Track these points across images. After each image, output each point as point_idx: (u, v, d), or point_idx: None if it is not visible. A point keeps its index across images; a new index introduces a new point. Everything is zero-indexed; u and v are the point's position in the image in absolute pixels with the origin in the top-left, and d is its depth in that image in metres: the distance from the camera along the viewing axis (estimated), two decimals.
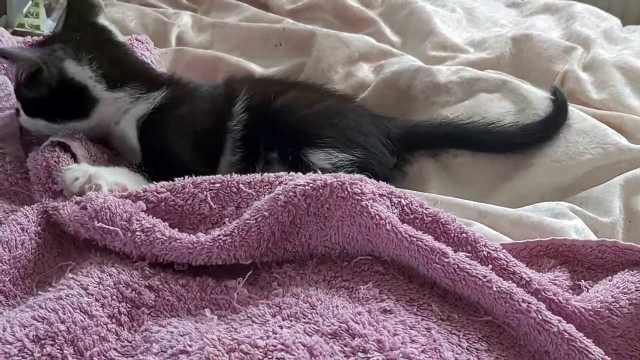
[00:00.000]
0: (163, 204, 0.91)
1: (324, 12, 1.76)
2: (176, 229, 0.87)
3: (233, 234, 0.84)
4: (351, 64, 1.47)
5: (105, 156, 1.07)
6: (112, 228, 0.84)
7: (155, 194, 0.91)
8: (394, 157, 1.16)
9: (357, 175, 0.89)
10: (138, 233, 0.84)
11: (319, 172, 0.92)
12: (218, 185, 0.92)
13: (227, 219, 0.90)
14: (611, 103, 1.37)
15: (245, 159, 1.10)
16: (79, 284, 0.77)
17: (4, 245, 0.82)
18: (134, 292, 0.78)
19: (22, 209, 0.89)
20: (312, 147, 1.06)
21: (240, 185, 0.93)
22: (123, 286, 0.78)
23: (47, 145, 1.02)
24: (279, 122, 1.09)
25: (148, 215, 0.87)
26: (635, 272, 0.85)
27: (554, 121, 1.22)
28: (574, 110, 1.27)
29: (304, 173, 0.91)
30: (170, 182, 0.93)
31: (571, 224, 0.97)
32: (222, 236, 0.84)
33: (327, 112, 1.13)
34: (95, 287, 0.77)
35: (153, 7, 1.73)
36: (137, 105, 1.08)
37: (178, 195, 0.91)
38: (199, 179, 0.93)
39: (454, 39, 1.62)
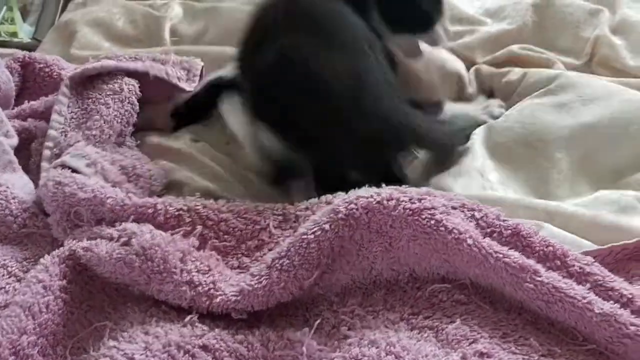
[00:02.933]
0: (223, 224, 0.84)
1: None
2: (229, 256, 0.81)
3: (290, 253, 0.75)
4: None
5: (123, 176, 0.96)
6: (163, 267, 0.74)
7: (217, 212, 0.85)
8: None
9: (424, 189, 0.80)
10: (195, 274, 0.74)
11: None
12: (281, 215, 0.85)
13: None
14: None
15: None
16: (123, 353, 0.67)
17: (27, 312, 0.72)
18: (187, 355, 0.68)
19: (42, 260, 0.78)
20: None
21: (298, 212, 0.85)
22: (174, 349, 0.68)
23: (56, 169, 0.90)
24: None
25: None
26: None
27: None
28: (608, 83, 1.17)
29: None
30: (232, 202, 0.88)
31: None
32: (277, 259, 0.75)
33: None
34: (142, 354, 0.67)
35: None
36: None
37: (240, 218, 0.85)
38: (262, 206, 0.88)
39: (467, 10, 1.51)
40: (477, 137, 1.10)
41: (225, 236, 0.83)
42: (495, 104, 1.19)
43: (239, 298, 0.73)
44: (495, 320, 0.72)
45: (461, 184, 1.01)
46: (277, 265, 0.74)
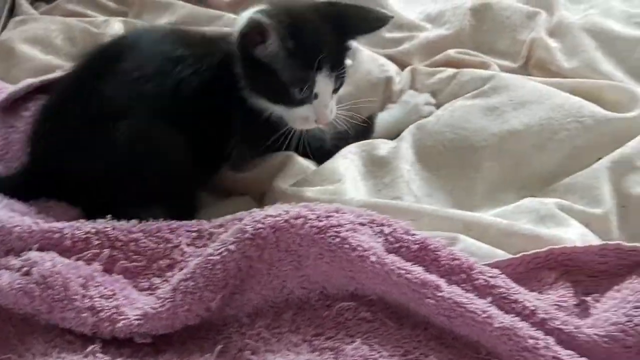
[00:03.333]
0: (133, 244, 0.83)
1: (264, 1, 1.63)
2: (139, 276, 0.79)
3: (195, 274, 0.75)
4: None
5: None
6: (64, 295, 0.74)
7: (126, 233, 0.84)
8: None
9: (334, 206, 0.79)
10: (97, 299, 0.74)
11: None
12: (195, 233, 0.85)
13: None
14: (585, 71, 1.27)
15: None
16: None
17: None
18: None
19: None
20: None
21: (212, 229, 0.85)
22: None
23: None
24: None
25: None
26: None
27: None
28: (540, 86, 1.17)
29: None
30: (144, 222, 0.86)
31: (571, 233, 0.88)
32: (182, 281, 0.74)
33: None
34: None
35: (80, 16, 1.58)
36: None
37: (151, 237, 0.84)
38: (175, 223, 0.87)
39: (408, 15, 1.51)
40: (407, 137, 1.10)
41: (136, 256, 0.82)
42: (422, 102, 1.19)
43: (142, 322, 0.72)
44: (399, 337, 0.72)
45: (385, 195, 1.01)
46: (181, 287, 0.74)
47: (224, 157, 1.07)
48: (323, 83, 0.97)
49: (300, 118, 1.00)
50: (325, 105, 0.98)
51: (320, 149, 1.10)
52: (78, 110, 0.97)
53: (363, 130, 1.15)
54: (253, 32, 0.95)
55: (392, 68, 1.30)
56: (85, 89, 0.98)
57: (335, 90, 1.01)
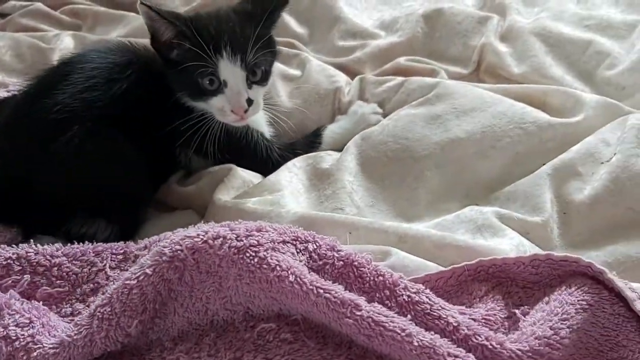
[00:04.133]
0: (56, 269, 0.82)
1: None
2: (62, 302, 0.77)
3: (112, 299, 0.73)
4: None
5: None
6: None
7: (49, 257, 0.82)
8: None
9: (255, 224, 0.78)
10: (12, 328, 0.72)
11: None
12: (121, 255, 0.83)
13: None
14: (533, 75, 1.27)
15: None
16: None
17: None
18: None
19: None
20: None
21: (137, 251, 0.84)
22: None
23: None
24: None
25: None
26: (573, 289, 0.76)
27: None
28: (485, 93, 1.15)
29: None
30: (69, 246, 0.85)
31: (506, 244, 0.87)
32: (100, 307, 0.73)
33: None
34: None
35: (33, 31, 1.56)
36: None
37: (75, 261, 0.83)
38: (100, 246, 0.85)
39: (362, 23, 1.50)
40: (351, 148, 1.09)
41: (59, 281, 0.80)
42: (369, 112, 1.18)
43: (57, 350, 0.70)
44: (319, 358, 0.70)
45: (327, 207, 1.00)
46: (98, 313, 0.72)
47: (173, 165, 1.08)
48: (228, 70, 0.98)
49: (217, 110, 1.02)
50: (237, 93, 0.99)
51: (267, 160, 1.09)
52: (27, 125, 0.97)
53: (311, 142, 1.15)
54: None
55: (342, 79, 1.29)
56: (34, 105, 0.97)
57: (258, 82, 1.02)
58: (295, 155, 1.11)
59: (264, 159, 1.09)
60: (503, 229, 0.91)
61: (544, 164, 1.03)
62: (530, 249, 0.89)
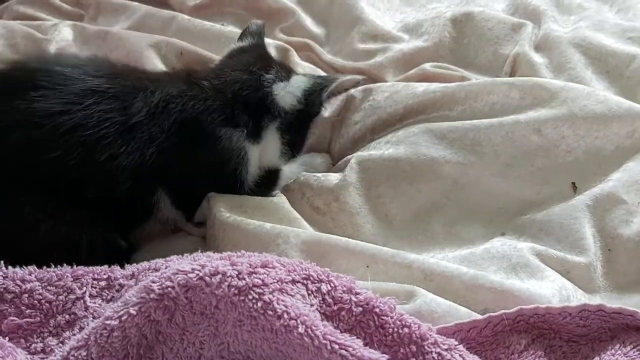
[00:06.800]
0: (26, 296, 0.70)
1: (233, 6, 1.51)
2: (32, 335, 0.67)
3: (89, 342, 0.62)
4: None
5: None
6: None
7: (19, 282, 0.71)
8: None
9: (260, 257, 0.67)
10: None
11: None
12: (103, 282, 0.73)
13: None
14: None
15: None
16: None
17: None
18: None
19: None
20: None
21: (123, 280, 0.73)
22: None
23: None
24: None
25: None
26: (628, 348, 0.65)
27: None
28: None
29: None
30: (44, 269, 0.73)
31: (546, 287, 0.75)
32: (73, 350, 0.62)
33: None
34: None
35: (31, 19, 1.45)
36: None
37: (50, 287, 0.72)
38: (81, 269, 0.74)
39: (384, 25, 1.39)
40: (352, 171, 0.97)
41: (29, 311, 0.69)
42: (319, 161, 1.08)
43: None
44: None
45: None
46: (72, 357, 0.61)
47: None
48: None
49: None
50: None
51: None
52: None
53: (268, 183, 1.01)
54: None
55: None
56: None
57: None
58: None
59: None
60: (542, 269, 0.80)
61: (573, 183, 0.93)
62: (573, 293, 0.78)
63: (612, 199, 0.90)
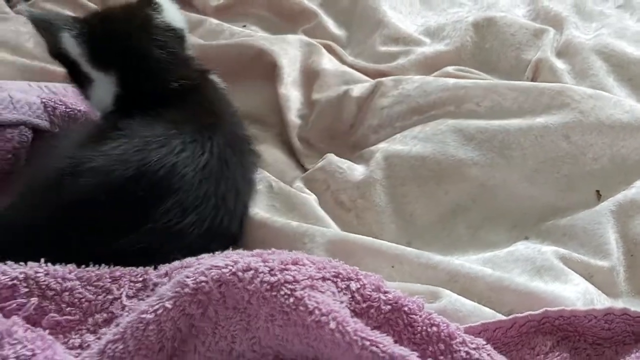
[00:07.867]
0: (67, 294, 0.71)
1: (256, 7, 1.53)
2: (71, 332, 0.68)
3: (125, 335, 0.63)
4: None
5: None
6: None
7: (60, 280, 0.72)
8: None
9: (291, 255, 0.68)
10: None
11: None
12: (140, 283, 0.73)
13: None
14: None
15: None
16: None
17: None
18: None
19: None
20: None
21: (157, 279, 0.74)
22: None
23: None
24: None
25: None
26: None
27: None
28: None
29: None
30: (83, 268, 0.74)
31: (570, 290, 0.76)
32: (110, 344, 0.63)
33: None
34: None
35: None
36: None
37: (90, 287, 0.73)
38: (119, 271, 0.74)
39: (406, 28, 1.40)
40: (379, 167, 0.98)
41: (69, 309, 0.71)
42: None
43: None
44: None
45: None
46: (109, 350, 0.63)
47: None
48: None
49: None
50: None
51: None
52: None
53: None
54: None
55: None
56: None
57: None
58: None
59: None
60: (566, 273, 0.81)
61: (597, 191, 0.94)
62: (597, 297, 0.79)
63: (635, 205, 0.90)
